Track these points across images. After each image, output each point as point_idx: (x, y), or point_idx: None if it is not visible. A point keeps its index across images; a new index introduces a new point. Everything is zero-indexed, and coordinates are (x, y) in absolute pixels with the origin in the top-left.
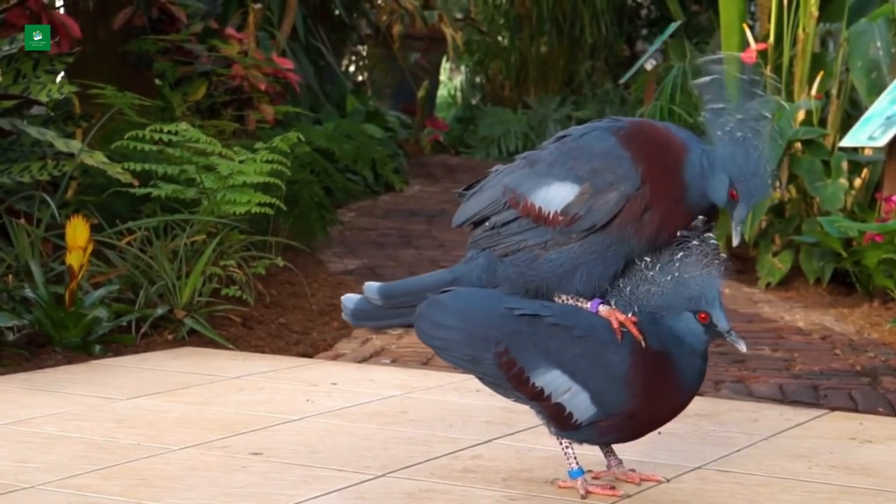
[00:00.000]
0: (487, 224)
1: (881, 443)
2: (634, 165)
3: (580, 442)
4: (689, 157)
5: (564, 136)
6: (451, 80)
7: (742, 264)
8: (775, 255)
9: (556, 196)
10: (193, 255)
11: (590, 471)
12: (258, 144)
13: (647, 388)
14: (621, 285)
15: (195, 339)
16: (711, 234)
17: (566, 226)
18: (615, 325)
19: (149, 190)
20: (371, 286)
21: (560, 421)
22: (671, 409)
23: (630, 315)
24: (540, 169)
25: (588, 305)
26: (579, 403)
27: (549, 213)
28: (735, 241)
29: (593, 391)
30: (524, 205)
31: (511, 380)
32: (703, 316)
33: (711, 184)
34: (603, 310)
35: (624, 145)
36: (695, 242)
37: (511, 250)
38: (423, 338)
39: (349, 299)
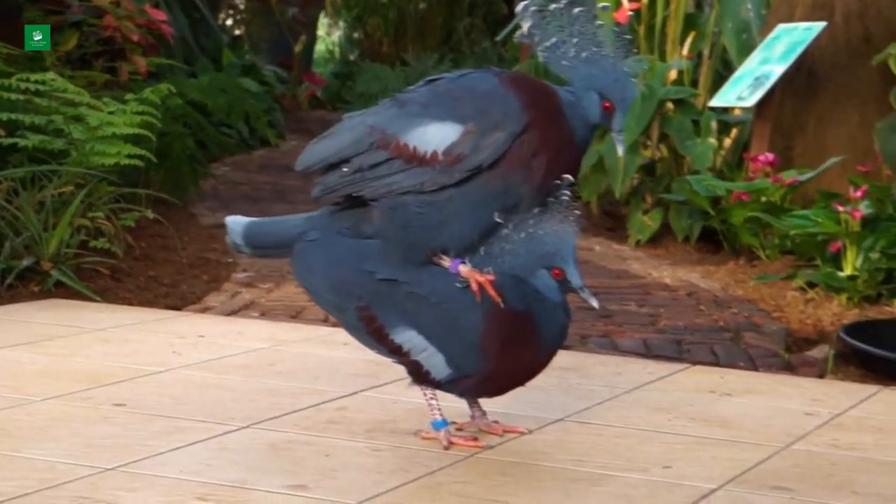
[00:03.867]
0: (347, 168)
1: (740, 396)
2: (521, 107)
3: (444, 392)
4: (561, 96)
5: (436, 80)
6: (328, 35)
7: (613, 222)
8: (645, 213)
9: (434, 136)
10: (61, 207)
11: (454, 422)
12: (128, 95)
13: (503, 351)
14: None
15: (62, 291)
16: (567, 192)
17: (449, 165)
18: (474, 286)
19: (15, 140)
20: (236, 228)
21: (419, 377)
22: (531, 368)
23: (489, 274)
24: (412, 109)
25: (448, 265)
26: (436, 364)
27: (425, 153)
28: (620, 151)
29: (448, 354)
30: (396, 145)
31: (371, 334)
32: (556, 272)
33: (584, 106)
34: (463, 269)
35: (507, 86)
36: (549, 199)
37: (380, 194)
38: (297, 278)
39: (236, 223)
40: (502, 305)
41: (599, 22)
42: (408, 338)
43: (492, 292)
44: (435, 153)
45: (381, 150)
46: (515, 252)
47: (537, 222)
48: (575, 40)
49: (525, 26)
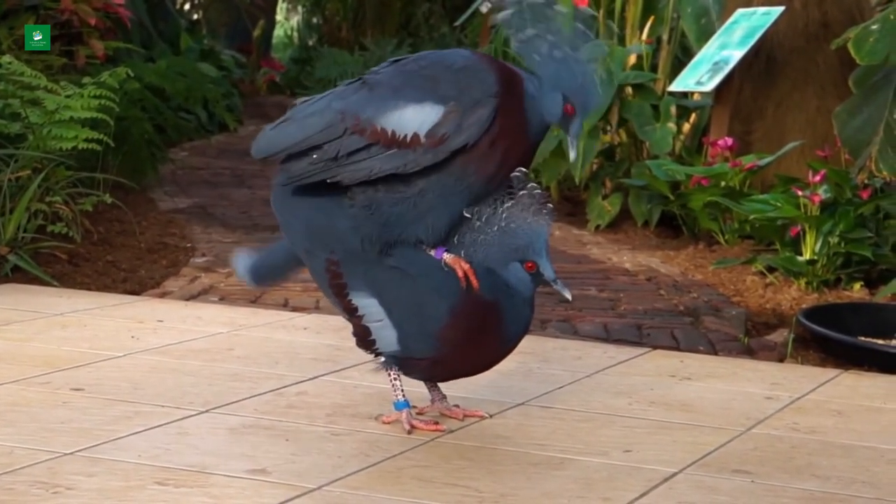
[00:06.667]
0: (318, 154)
1: (700, 380)
2: (495, 84)
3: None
4: (526, 86)
5: (401, 60)
6: (287, 20)
7: (572, 207)
8: (605, 197)
9: (413, 119)
10: (18, 191)
11: (414, 406)
12: (86, 79)
13: (461, 342)
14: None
15: (20, 276)
16: (535, 184)
17: (433, 147)
18: (460, 273)
19: None
20: (241, 267)
21: (363, 343)
22: (487, 360)
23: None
24: (383, 93)
25: (433, 253)
26: (385, 337)
27: (405, 136)
28: (571, 156)
29: (403, 333)
30: (372, 130)
31: (332, 287)
32: (529, 265)
33: (545, 104)
34: (448, 257)
35: (486, 63)
36: (521, 192)
37: (359, 178)
38: (274, 208)
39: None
40: (478, 295)
41: (577, 25)
42: (366, 304)
43: (475, 282)
44: (416, 136)
45: (357, 136)
46: (488, 244)
47: (509, 216)
48: (550, 37)
49: (506, 12)
